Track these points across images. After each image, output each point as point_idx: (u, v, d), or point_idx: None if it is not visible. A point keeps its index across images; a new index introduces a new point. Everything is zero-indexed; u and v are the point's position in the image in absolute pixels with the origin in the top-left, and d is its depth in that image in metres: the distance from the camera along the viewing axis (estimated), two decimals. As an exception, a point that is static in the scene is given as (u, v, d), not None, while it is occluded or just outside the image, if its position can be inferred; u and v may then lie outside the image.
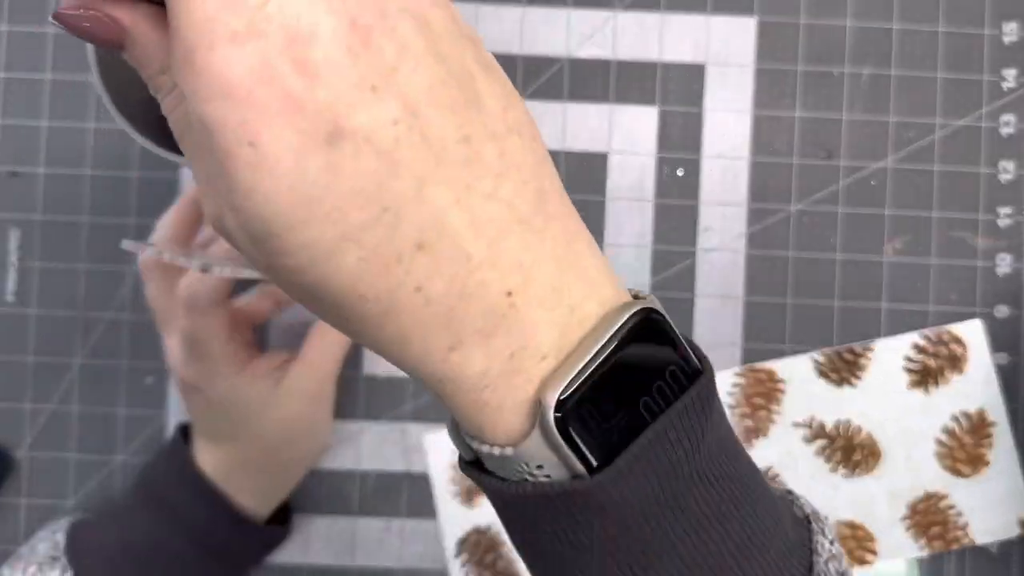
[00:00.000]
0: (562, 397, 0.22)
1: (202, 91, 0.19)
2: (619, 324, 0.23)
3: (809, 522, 0.27)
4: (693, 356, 0.24)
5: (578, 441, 0.22)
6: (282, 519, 0.49)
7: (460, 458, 0.25)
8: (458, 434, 0.24)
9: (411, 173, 0.20)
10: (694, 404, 0.23)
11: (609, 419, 0.22)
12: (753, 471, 0.25)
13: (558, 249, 0.23)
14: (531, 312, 0.22)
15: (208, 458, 0.45)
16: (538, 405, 0.22)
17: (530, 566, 0.26)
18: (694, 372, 0.24)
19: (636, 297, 0.24)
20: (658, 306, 0.24)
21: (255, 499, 0.45)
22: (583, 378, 0.22)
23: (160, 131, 0.32)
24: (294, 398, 0.46)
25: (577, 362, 0.22)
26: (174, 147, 0.31)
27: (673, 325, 0.24)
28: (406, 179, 0.20)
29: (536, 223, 0.22)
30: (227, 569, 0.46)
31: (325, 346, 0.46)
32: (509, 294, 0.22)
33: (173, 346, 0.45)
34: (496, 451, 0.23)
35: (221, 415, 0.45)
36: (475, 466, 0.25)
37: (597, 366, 0.22)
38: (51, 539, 0.43)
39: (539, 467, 0.22)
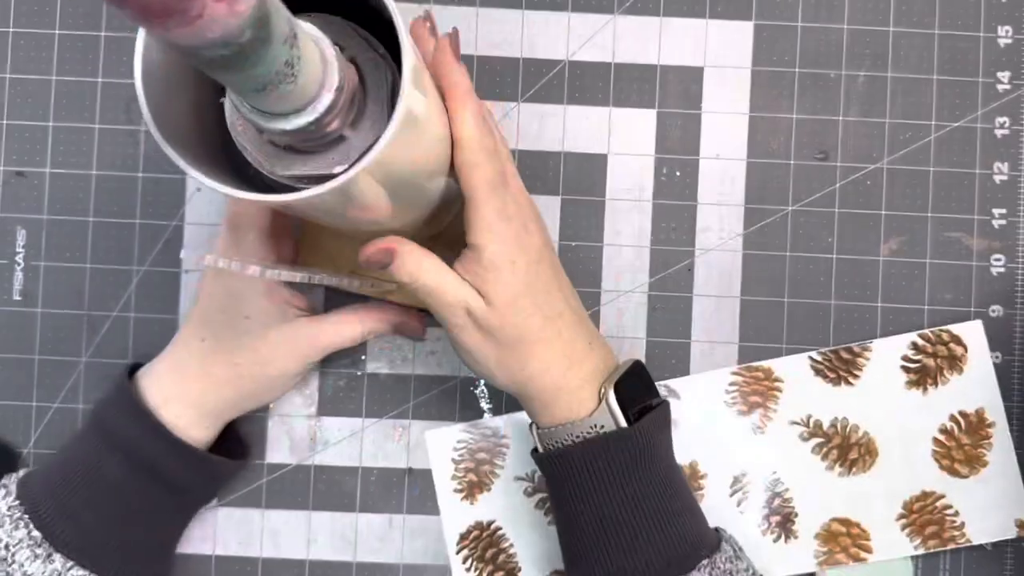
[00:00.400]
0: (612, 390, 0.43)
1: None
2: (628, 365, 0.45)
3: (719, 532, 0.46)
4: (656, 391, 0.46)
5: (619, 412, 0.42)
6: (237, 457, 0.49)
7: (535, 452, 0.45)
8: (540, 430, 0.44)
9: (557, 283, 0.44)
10: (667, 411, 0.45)
11: (628, 406, 0.43)
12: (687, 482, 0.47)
13: (599, 336, 0.46)
14: (599, 351, 0.44)
15: (183, 353, 0.46)
16: (602, 396, 0.42)
17: (561, 502, 0.44)
18: (663, 400, 0.46)
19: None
20: (641, 360, 0.47)
21: (188, 414, 0.45)
22: (618, 380, 0.43)
23: (206, 161, 0.33)
24: (283, 346, 0.46)
25: (615, 376, 0.43)
26: (219, 177, 0.32)
27: (649, 373, 0.46)
28: (557, 282, 0.44)
29: (592, 325, 0.46)
30: (171, 495, 0.46)
31: (340, 327, 0.47)
32: (590, 343, 0.44)
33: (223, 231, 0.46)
34: (578, 421, 0.42)
35: (231, 304, 0.45)
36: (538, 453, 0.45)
37: (622, 375, 0.44)
38: (5, 487, 0.45)
39: (601, 426, 0.42)
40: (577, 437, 0.42)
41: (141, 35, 0.31)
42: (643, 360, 0.49)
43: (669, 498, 0.42)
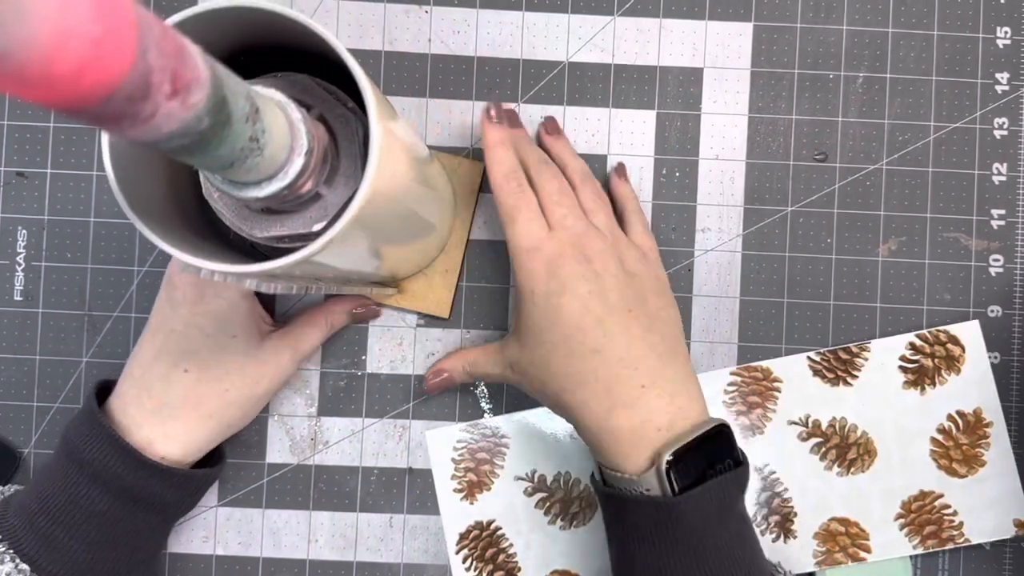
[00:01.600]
0: (668, 456, 0.39)
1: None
2: (706, 428, 0.41)
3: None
4: (740, 455, 0.42)
5: (673, 479, 0.39)
6: (211, 463, 0.48)
7: (593, 479, 0.44)
8: (599, 467, 0.43)
9: (595, 316, 0.41)
10: (738, 476, 0.40)
11: (691, 472, 0.40)
12: (756, 538, 0.43)
13: (677, 376, 0.42)
14: (655, 401, 0.41)
15: (162, 389, 0.44)
16: (655, 456, 0.40)
17: (618, 556, 0.43)
18: (741, 463, 0.41)
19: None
20: (728, 424, 0.42)
21: (174, 453, 0.44)
22: (680, 448, 0.39)
23: (165, 227, 0.32)
24: (271, 360, 0.46)
25: (682, 440, 0.40)
26: (174, 242, 0.31)
27: (734, 437, 0.42)
28: (592, 316, 0.41)
29: (667, 357, 0.42)
30: (149, 513, 0.45)
31: (307, 334, 0.48)
32: (643, 386, 0.41)
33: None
34: (627, 476, 0.40)
35: (217, 327, 0.44)
36: (602, 485, 0.43)
37: (688, 443, 0.40)
38: None
39: (648, 489, 0.40)
40: (625, 488, 0.41)
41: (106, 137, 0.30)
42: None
43: (723, 565, 0.40)
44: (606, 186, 0.51)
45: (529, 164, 0.46)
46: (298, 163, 0.30)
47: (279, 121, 0.28)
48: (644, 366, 0.41)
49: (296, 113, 0.30)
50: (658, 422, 0.40)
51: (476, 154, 0.52)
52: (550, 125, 0.50)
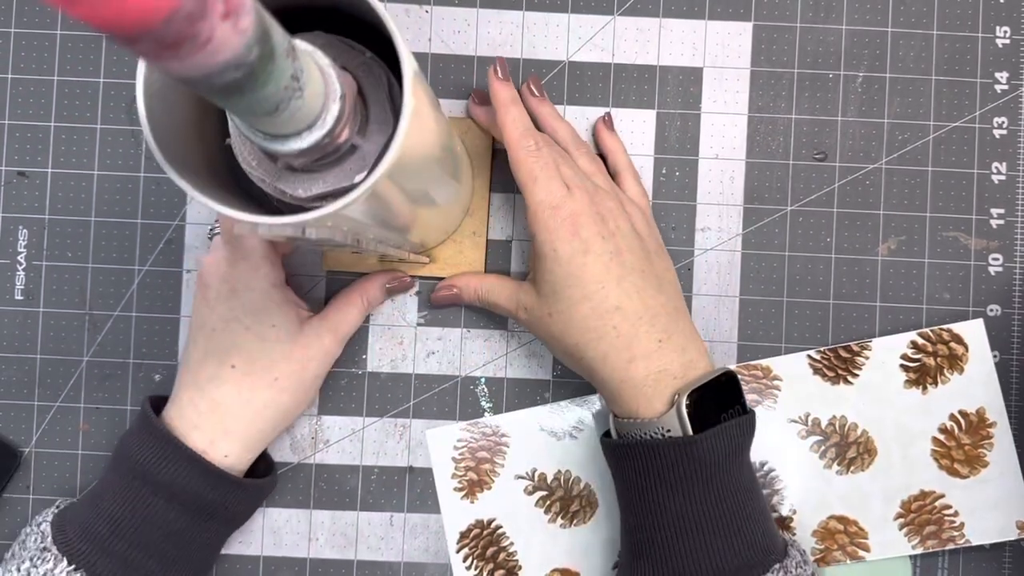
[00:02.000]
0: (686, 398, 0.42)
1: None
2: (717, 373, 0.44)
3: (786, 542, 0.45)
4: (747, 404, 0.45)
5: (687, 420, 0.42)
6: (264, 472, 0.49)
7: (605, 441, 0.46)
8: (615, 423, 0.45)
9: (615, 275, 0.44)
10: (748, 421, 0.43)
11: (705, 415, 0.42)
12: (761, 491, 0.46)
13: (686, 331, 0.45)
14: (670, 353, 0.44)
15: (215, 388, 0.45)
16: (673, 399, 0.42)
17: (627, 491, 0.45)
18: (748, 411, 0.44)
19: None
20: (735, 372, 0.45)
21: (235, 449, 0.45)
22: (695, 391, 0.42)
23: (199, 178, 0.33)
24: (314, 344, 0.47)
25: (694, 385, 0.42)
26: (211, 195, 0.32)
27: (742, 384, 0.45)
28: (612, 275, 0.43)
29: (676, 315, 0.45)
30: (220, 525, 0.46)
31: (345, 313, 0.48)
32: (660, 340, 0.44)
33: (216, 249, 0.45)
34: (647, 420, 0.43)
35: (255, 319, 0.45)
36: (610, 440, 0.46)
37: (703, 385, 0.43)
38: (38, 531, 0.43)
39: (668, 431, 0.42)
40: (645, 435, 0.43)
41: (141, 76, 0.30)
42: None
43: (742, 504, 0.43)
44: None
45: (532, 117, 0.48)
46: (335, 109, 0.30)
47: (312, 66, 0.29)
48: (659, 322, 0.44)
49: (324, 59, 0.30)
50: (674, 371, 0.43)
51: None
52: (535, 84, 0.50)
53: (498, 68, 0.47)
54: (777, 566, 0.42)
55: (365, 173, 0.33)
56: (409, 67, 0.31)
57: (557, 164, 0.45)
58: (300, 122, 0.29)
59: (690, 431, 0.41)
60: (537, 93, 0.50)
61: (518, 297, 0.47)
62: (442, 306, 0.51)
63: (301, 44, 0.30)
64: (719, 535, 0.42)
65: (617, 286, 0.43)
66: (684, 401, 0.42)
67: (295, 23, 0.33)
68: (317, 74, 0.29)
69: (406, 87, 0.31)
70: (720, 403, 0.43)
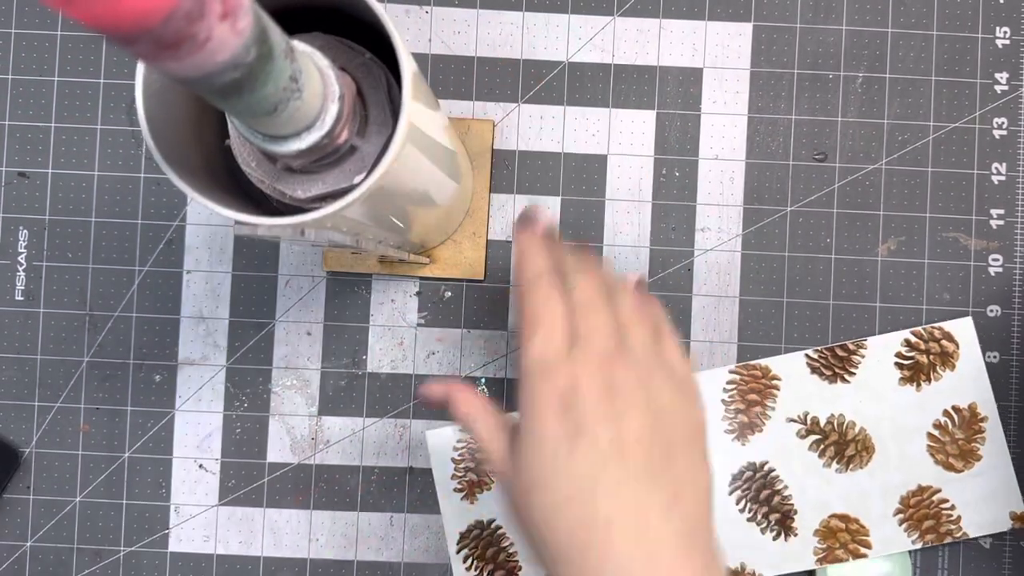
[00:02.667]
0: None
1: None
2: None
3: None
4: None
5: None
6: None
7: None
8: None
9: (612, 477, 0.32)
10: None
11: None
12: None
13: (699, 565, 0.33)
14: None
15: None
16: None
17: None
18: None
19: None
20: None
21: None
22: None
23: (198, 179, 0.33)
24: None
25: None
26: (210, 196, 0.32)
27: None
28: (609, 476, 0.32)
29: (685, 537, 0.33)
30: None
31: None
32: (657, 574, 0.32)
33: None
34: None
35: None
36: None
37: None
38: None
39: None
40: None
41: (140, 77, 0.30)
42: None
43: None
44: None
45: (565, 263, 0.38)
46: (333, 109, 0.30)
47: (310, 67, 0.29)
48: (663, 553, 0.32)
49: (323, 60, 0.30)
50: None
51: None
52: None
53: (534, 215, 0.38)
54: None
55: (364, 174, 0.33)
56: (408, 68, 0.31)
57: (582, 310, 0.36)
58: (299, 123, 0.29)
59: None
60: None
61: (495, 451, 0.36)
62: (429, 402, 0.39)
63: (300, 45, 0.30)
64: None
65: (611, 494, 0.32)
66: None
67: (294, 24, 0.33)
68: (316, 75, 0.29)
69: (405, 88, 0.31)
70: None
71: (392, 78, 0.35)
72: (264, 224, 0.31)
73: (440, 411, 0.52)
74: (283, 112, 0.28)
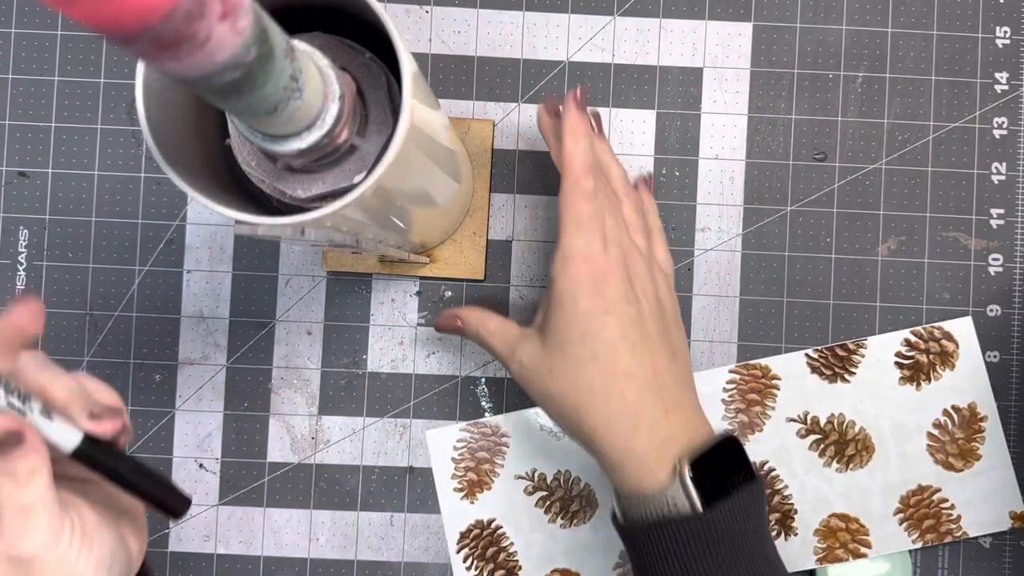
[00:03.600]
0: (688, 465, 0.39)
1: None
2: (718, 439, 0.41)
3: None
4: (753, 467, 0.42)
5: (693, 490, 0.39)
6: None
7: (615, 521, 0.43)
8: (619, 501, 0.42)
9: (631, 341, 0.41)
10: (757, 488, 0.41)
11: (710, 484, 0.39)
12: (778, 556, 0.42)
13: (691, 403, 0.43)
14: (676, 423, 0.41)
15: None
16: (676, 468, 0.40)
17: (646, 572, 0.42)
18: (756, 477, 0.41)
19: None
20: (738, 436, 0.45)
21: None
22: (698, 457, 0.40)
23: (198, 178, 0.33)
24: None
25: (697, 452, 0.40)
26: (211, 195, 0.32)
27: (745, 449, 0.42)
28: (629, 340, 0.41)
29: (684, 386, 0.43)
30: None
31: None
32: (666, 411, 0.41)
33: None
34: (651, 493, 0.40)
35: None
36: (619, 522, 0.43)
37: (705, 451, 0.40)
38: None
39: (674, 502, 0.39)
40: (650, 511, 0.40)
41: (141, 77, 0.30)
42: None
43: None
44: None
45: (596, 154, 0.45)
46: (334, 109, 0.30)
47: (310, 66, 0.29)
48: (668, 393, 0.41)
49: (323, 60, 0.30)
50: (678, 441, 0.41)
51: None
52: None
53: (579, 94, 0.44)
54: None
55: (364, 174, 0.33)
56: (408, 68, 0.31)
57: (604, 214, 0.42)
58: (299, 122, 0.29)
59: (697, 500, 0.39)
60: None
61: (516, 346, 0.44)
62: (444, 331, 0.48)
63: (300, 44, 0.30)
64: None
65: (631, 352, 0.41)
66: (687, 469, 0.39)
67: (294, 23, 0.33)
68: (316, 74, 0.29)
69: (405, 88, 0.31)
70: (726, 466, 0.41)
71: (392, 77, 0.35)
72: (265, 224, 0.31)
73: (440, 411, 0.52)
74: (283, 112, 0.28)
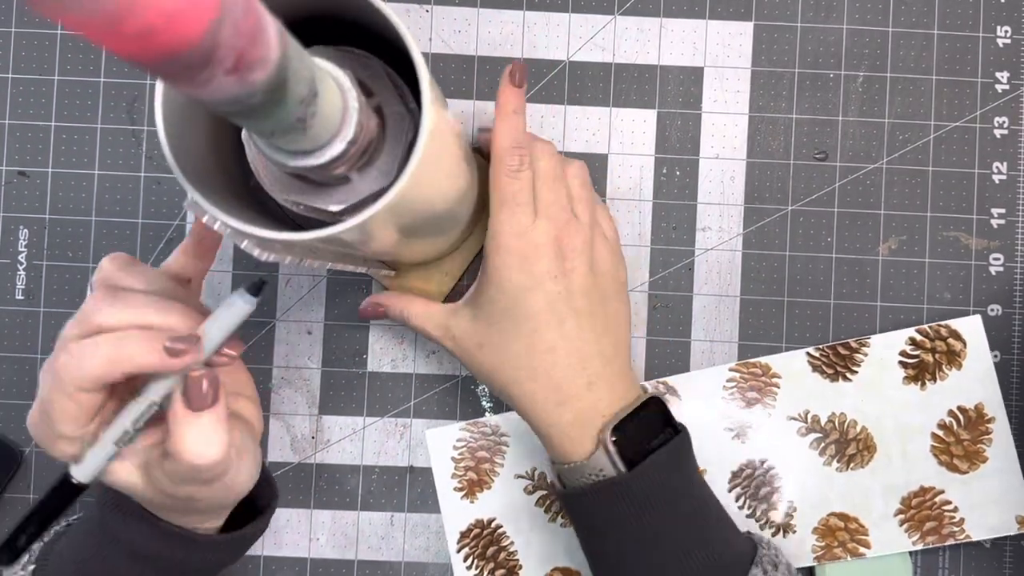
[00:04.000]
0: (613, 436, 0.41)
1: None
2: (638, 403, 0.43)
3: (753, 540, 0.44)
4: (677, 424, 0.44)
5: (618, 453, 0.41)
6: (254, 514, 0.43)
7: (553, 487, 0.45)
8: (552, 466, 0.44)
9: (557, 317, 0.42)
10: (678, 443, 0.42)
11: (633, 447, 0.42)
12: (716, 500, 0.45)
13: (619, 371, 0.44)
14: (600, 393, 0.42)
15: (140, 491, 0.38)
16: (599, 437, 0.41)
17: (584, 540, 0.44)
18: (679, 432, 0.43)
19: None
20: (662, 398, 0.44)
21: (198, 521, 0.40)
22: (619, 422, 0.42)
23: (212, 191, 0.33)
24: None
25: (617, 419, 0.42)
26: (224, 206, 0.32)
27: (669, 408, 0.44)
28: (555, 316, 0.42)
29: (612, 357, 0.44)
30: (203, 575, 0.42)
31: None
32: (590, 383, 0.42)
33: None
34: (578, 464, 0.42)
35: None
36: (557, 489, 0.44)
37: (626, 417, 0.42)
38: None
39: (601, 470, 0.41)
40: (582, 477, 0.42)
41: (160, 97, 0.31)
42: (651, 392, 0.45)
43: (692, 529, 0.42)
44: None
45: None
46: (338, 148, 0.30)
47: (334, 103, 0.29)
48: (592, 366, 0.43)
49: (354, 103, 0.30)
50: (602, 410, 0.42)
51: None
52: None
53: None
54: (755, 570, 0.41)
55: (343, 207, 0.33)
56: (425, 76, 0.31)
57: (536, 188, 0.43)
58: (297, 147, 0.29)
59: (620, 465, 0.41)
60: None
61: (447, 323, 0.45)
62: (368, 319, 0.50)
63: (342, 79, 0.30)
64: (667, 569, 0.41)
65: (557, 328, 0.42)
66: (610, 437, 0.41)
67: (297, 30, 0.33)
68: (337, 113, 0.29)
69: (424, 95, 0.31)
70: (650, 427, 0.43)
71: (400, 79, 0.35)
72: (299, 239, 0.31)
73: (441, 410, 0.52)
74: (280, 138, 0.28)
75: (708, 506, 0.44)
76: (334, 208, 0.33)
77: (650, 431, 0.43)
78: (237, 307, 0.34)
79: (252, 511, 0.43)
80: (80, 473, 0.36)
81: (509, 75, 0.44)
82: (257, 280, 0.35)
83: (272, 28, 0.22)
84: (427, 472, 0.52)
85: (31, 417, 0.37)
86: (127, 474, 0.37)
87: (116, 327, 0.34)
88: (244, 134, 0.34)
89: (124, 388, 0.36)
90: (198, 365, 0.34)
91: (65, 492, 0.37)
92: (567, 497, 0.43)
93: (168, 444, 0.34)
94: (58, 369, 0.34)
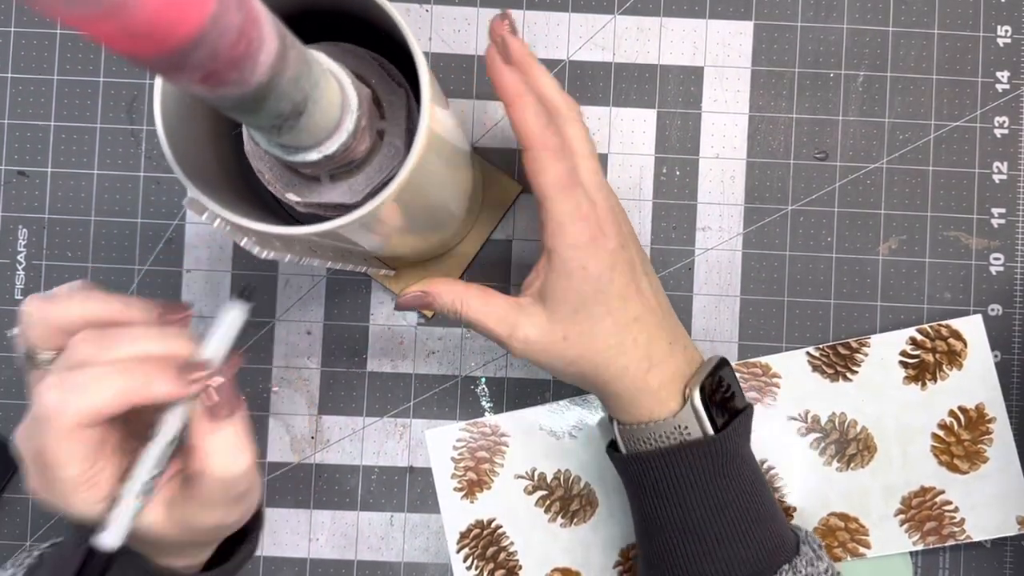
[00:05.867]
0: (698, 391, 0.42)
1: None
2: (713, 363, 0.44)
3: (796, 531, 0.45)
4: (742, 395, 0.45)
5: (704, 414, 0.41)
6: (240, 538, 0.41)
7: (613, 454, 0.45)
8: (621, 426, 0.44)
9: (634, 286, 0.42)
10: (751, 412, 0.44)
11: (716, 407, 0.42)
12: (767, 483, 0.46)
13: (681, 330, 0.44)
14: (679, 353, 0.43)
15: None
16: (684, 395, 0.42)
17: (642, 503, 0.44)
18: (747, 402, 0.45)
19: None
20: (727, 359, 0.45)
21: (191, 556, 0.38)
22: (703, 381, 0.42)
23: (212, 189, 0.33)
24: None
25: (700, 377, 0.42)
26: (224, 204, 0.32)
27: (734, 370, 0.46)
28: (632, 286, 0.42)
29: (672, 315, 0.44)
30: None
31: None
32: (670, 343, 0.43)
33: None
34: (664, 420, 0.42)
35: None
36: (616, 451, 0.45)
37: (707, 374, 0.42)
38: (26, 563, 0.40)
39: (686, 427, 0.41)
40: (660, 437, 0.42)
41: (159, 92, 0.31)
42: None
43: (752, 504, 0.42)
44: None
45: (552, 106, 0.42)
46: (336, 143, 0.30)
47: (333, 101, 0.29)
48: (667, 324, 0.43)
49: (353, 98, 0.30)
50: (684, 371, 0.43)
51: (520, 167, 0.52)
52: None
53: (503, 27, 0.40)
54: (786, 567, 0.41)
55: (359, 199, 0.33)
56: (425, 73, 0.31)
57: (581, 159, 0.41)
58: (297, 142, 0.29)
59: (708, 425, 0.41)
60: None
61: (515, 322, 0.42)
62: (407, 309, 0.44)
63: (344, 79, 0.30)
64: (730, 538, 0.41)
65: (637, 296, 0.42)
66: (697, 395, 0.41)
67: (297, 26, 0.33)
68: (335, 112, 0.29)
69: (424, 93, 0.31)
70: (723, 388, 0.43)
71: (401, 75, 0.35)
72: (298, 233, 0.31)
73: (440, 410, 0.52)
74: (275, 136, 0.28)
75: (765, 485, 0.44)
76: (334, 203, 0.33)
77: (725, 394, 0.43)
78: (233, 316, 0.34)
79: (232, 542, 0.40)
80: (109, 538, 0.32)
81: (496, 56, 0.41)
82: (245, 285, 0.35)
83: (269, 21, 0.22)
84: (427, 472, 0.52)
85: (30, 486, 0.33)
86: (151, 519, 0.34)
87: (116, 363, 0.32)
88: (245, 131, 0.34)
89: (109, 426, 0.32)
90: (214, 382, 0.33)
91: (96, 564, 0.32)
92: (629, 460, 0.43)
93: (193, 465, 0.32)
94: (50, 408, 0.31)
